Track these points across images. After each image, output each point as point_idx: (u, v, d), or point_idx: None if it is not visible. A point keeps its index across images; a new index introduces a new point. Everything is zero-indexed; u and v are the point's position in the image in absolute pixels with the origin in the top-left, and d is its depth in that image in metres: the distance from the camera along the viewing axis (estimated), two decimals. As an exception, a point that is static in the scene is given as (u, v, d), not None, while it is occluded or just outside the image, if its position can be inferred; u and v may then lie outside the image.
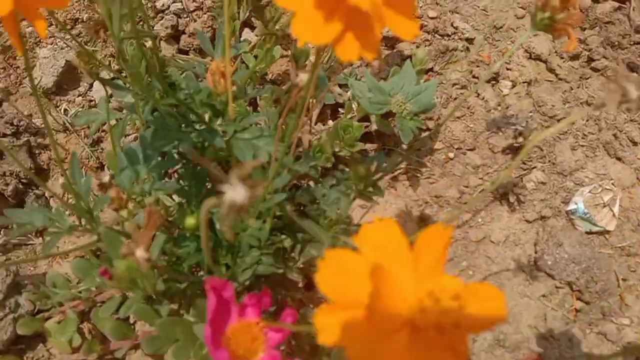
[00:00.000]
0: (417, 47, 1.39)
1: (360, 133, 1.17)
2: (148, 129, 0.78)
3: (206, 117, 0.81)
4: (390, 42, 1.40)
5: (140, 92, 0.75)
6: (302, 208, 1.10)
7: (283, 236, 0.92)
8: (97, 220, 0.72)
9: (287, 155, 0.82)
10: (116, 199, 0.74)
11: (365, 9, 0.43)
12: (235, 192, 0.34)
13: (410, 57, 1.36)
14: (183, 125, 0.78)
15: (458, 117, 1.34)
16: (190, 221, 0.76)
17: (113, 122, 0.92)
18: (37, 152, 1.25)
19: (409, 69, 1.12)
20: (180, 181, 0.91)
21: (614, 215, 1.25)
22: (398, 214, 1.25)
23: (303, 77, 0.57)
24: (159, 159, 0.77)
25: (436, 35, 1.39)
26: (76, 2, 1.22)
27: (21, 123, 1.21)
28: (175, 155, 0.82)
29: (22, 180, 1.22)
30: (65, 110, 1.26)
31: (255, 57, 1.29)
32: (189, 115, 0.80)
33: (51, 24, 1.22)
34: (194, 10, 1.27)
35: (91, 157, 1.25)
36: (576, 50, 1.42)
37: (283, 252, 0.92)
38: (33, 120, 1.24)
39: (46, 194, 1.25)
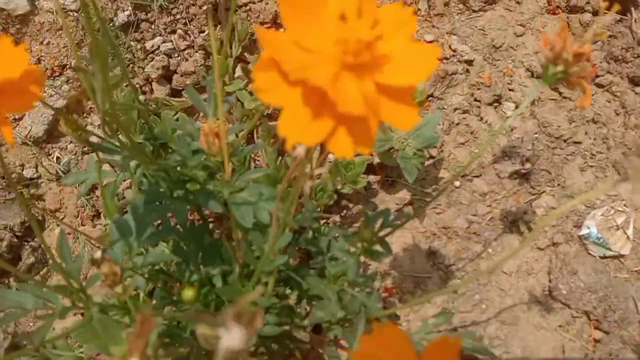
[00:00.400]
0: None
1: (363, 169, 1.13)
2: (140, 196, 0.74)
3: (200, 176, 0.78)
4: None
5: (131, 157, 0.72)
6: (305, 252, 1.07)
7: (288, 290, 0.88)
8: (91, 300, 0.68)
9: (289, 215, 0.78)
10: (110, 274, 0.70)
11: (357, 114, 0.39)
12: (231, 337, 0.30)
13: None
14: (177, 190, 0.74)
15: (462, 143, 1.30)
16: (188, 293, 0.72)
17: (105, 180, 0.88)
18: (30, 203, 1.21)
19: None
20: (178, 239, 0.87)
21: (628, 238, 1.21)
22: (405, 248, 1.21)
23: (301, 150, 0.53)
24: (153, 229, 0.73)
25: (434, 59, 1.36)
26: (63, 47, 1.19)
27: (13, 176, 1.18)
28: (172, 222, 0.78)
29: (17, 234, 1.18)
30: (57, 158, 1.22)
31: (250, 93, 1.26)
32: (182, 176, 0.76)
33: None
34: (185, 49, 1.24)
35: (86, 205, 1.21)
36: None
37: (289, 307, 0.88)
38: (25, 171, 1.20)
39: (42, 246, 1.21)
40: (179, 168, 0.76)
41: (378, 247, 0.78)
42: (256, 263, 0.77)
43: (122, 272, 0.71)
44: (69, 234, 1.21)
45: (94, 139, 0.74)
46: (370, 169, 1.26)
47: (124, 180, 1.01)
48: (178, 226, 0.85)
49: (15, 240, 1.18)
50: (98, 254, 0.70)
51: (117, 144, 0.69)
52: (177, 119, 1.23)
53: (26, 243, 1.20)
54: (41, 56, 1.18)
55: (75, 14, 1.17)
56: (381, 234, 0.79)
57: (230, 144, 0.71)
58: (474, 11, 1.42)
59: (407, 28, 0.45)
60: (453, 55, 1.37)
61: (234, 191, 0.73)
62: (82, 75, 0.59)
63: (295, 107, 0.40)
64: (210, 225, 1.03)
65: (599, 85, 1.38)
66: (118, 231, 0.72)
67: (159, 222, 0.79)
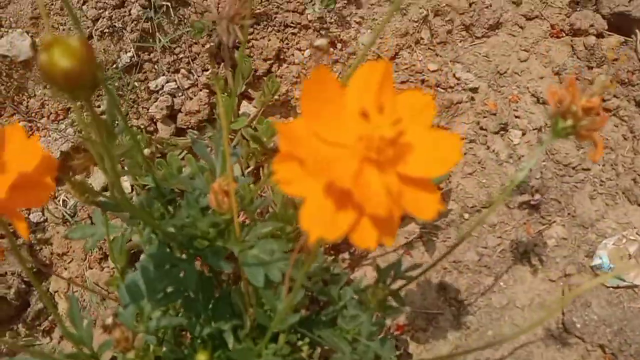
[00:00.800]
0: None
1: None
2: (150, 255, 0.73)
3: (210, 232, 0.77)
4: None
5: (139, 219, 0.71)
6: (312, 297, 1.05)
7: (300, 341, 0.87)
8: (103, 370, 0.67)
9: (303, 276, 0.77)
10: (122, 339, 0.69)
11: (384, 215, 0.38)
12: None
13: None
14: (186, 248, 0.73)
15: (469, 174, 1.29)
16: (201, 358, 0.71)
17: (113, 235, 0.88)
18: (38, 248, 1.20)
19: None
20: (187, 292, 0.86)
21: (641, 267, 1.19)
22: (416, 283, 1.20)
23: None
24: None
25: (439, 89, 1.35)
26: (67, 91, 1.18)
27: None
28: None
29: (25, 280, 1.18)
30: (63, 201, 1.22)
31: (255, 129, 1.25)
32: (191, 234, 0.75)
33: (42, 116, 1.18)
34: (188, 88, 1.23)
35: (94, 248, 1.20)
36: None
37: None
38: (31, 216, 1.20)
39: (51, 290, 1.21)
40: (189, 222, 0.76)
41: (392, 302, 0.77)
42: (268, 320, 0.76)
43: (134, 337, 0.70)
44: (77, 277, 1.21)
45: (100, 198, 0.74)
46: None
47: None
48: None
49: (24, 286, 1.17)
50: (109, 320, 0.69)
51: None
52: (182, 158, 1.22)
53: (34, 289, 1.19)
54: (45, 100, 1.18)
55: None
56: (394, 286, 0.78)
57: (239, 197, 0.70)
58: (477, 38, 1.41)
59: (426, 114, 0.44)
60: (457, 84, 1.36)
61: (245, 248, 0.72)
62: (90, 145, 0.58)
63: (318, 199, 0.39)
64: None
65: (606, 110, 1.36)
66: (129, 295, 0.71)
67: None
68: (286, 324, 0.73)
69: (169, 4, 1.16)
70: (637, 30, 1.43)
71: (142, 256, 1.19)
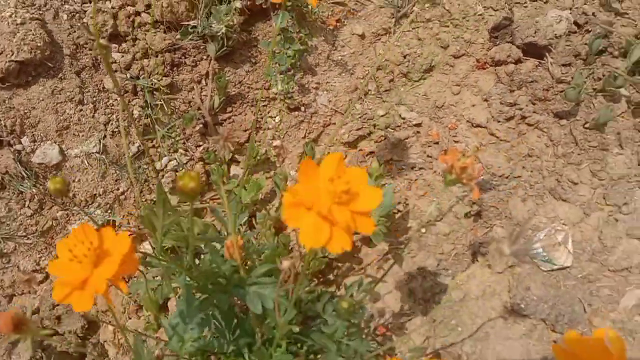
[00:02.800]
0: (376, 142, 1.64)
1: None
2: (183, 300, 1.03)
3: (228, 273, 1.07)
4: (352, 144, 1.65)
5: (176, 269, 1.01)
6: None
7: (300, 350, 1.16)
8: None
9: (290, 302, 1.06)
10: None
11: (344, 228, 0.68)
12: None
13: (371, 153, 1.61)
14: (212, 285, 1.03)
15: (422, 195, 1.58)
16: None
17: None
18: (86, 308, 1.50)
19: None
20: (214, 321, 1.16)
21: (569, 251, 1.47)
22: (390, 291, 1.49)
23: (285, 264, 0.82)
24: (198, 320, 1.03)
25: (388, 129, 1.64)
26: (91, 181, 1.49)
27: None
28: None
29: (79, 336, 1.47)
30: (101, 268, 1.52)
31: (245, 187, 1.55)
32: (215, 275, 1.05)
33: (75, 205, 1.49)
34: (186, 162, 1.54)
35: (130, 302, 1.50)
36: (509, 113, 1.66)
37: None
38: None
39: (101, 341, 1.50)
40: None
41: (358, 310, 1.06)
42: (273, 332, 1.06)
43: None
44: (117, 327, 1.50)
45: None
46: (352, 230, 1.54)
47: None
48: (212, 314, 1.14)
49: (79, 340, 1.47)
50: (158, 352, 0.99)
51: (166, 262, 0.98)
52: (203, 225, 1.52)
53: (88, 341, 1.49)
54: (75, 191, 1.49)
55: (97, 155, 1.47)
56: (358, 298, 1.07)
57: (244, 248, 1.00)
58: (415, 81, 1.71)
59: (363, 178, 0.74)
60: (403, 123, 1.66)
61: (248, 285, 1.02)
62: (147, 218, 0.88)
63: (309, 227, 0.69)
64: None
65: (529, 125, 1.65)
66: (171, 329, 1.00)
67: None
68: (286, 330, 1.02)
69: (162, 102, 1.47)
70: (546, 54, 1.73)
71: (171, 302, 1.49)
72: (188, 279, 1.11)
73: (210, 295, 1.05)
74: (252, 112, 1.56)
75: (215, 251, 1.10)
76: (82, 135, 1.46)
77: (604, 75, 1.66)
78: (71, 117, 1.45)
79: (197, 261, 1.19)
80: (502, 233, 1.51)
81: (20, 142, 1.44)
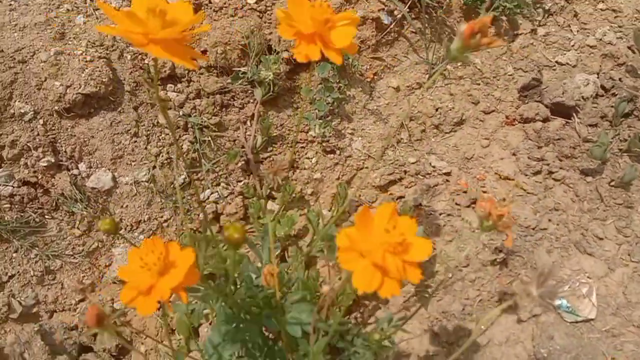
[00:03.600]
0: (407, 187, 1.72)
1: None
2: (222, 322, 1.10)
3: (262, 302, 1.13)
4: (382, 188, 1.73)
5: (215, 295, 1.08)
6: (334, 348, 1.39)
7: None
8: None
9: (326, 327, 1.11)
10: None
11: (398, 279, 0.74)
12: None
13: (400, 197, 1.69)
14: (246, 314, 1.09)
15: (449, 241, 1.64)
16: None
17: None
18: (121, 329, 1.57)
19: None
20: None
21: (593, 304, 1.49)
22: (413, 331, 1.52)
23: (325, 289, 0.89)
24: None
25: (419, 176, 1.72)
26: (137, 208, 1.59)
27: (107, 308, 1.55)
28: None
29: (113, 354, 1.53)
30: (138, 291, 1.59)
31: (279, 222, 1.63)
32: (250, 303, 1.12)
33: (121, 229, 1.59)
34: (227, 196, 1.64)
35: (162, 325, 1.57)
36: (537, 167, 1.73)
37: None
38: (115, 304, 1.58)
39: (132, 362, 1.56)
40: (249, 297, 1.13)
41: (387, 343, 1.11)
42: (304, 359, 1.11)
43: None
44: (152, 349, 1.56)
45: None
46: (380, 271, 1.60)
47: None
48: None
49: (113, 359, 1.53)
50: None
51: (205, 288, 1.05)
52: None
53: (122, 358, 1.54)
54: (122, 217, 1.59)
55: (146, 184, 1.59)
56: (389, 332, 1.12)
57: (279, 277, 1.07)
58: (446, 133, 1.80)
59: (414, 229, 0.80)
60: (433, 171, 1.74)
61: (285, 311, 1.08)
62: (196, 248, 0.96)
63: (362, 271, 0.75)
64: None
65: (556, 180, 1.71)
66: (211, 347, 1.07)
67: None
68: (317, 357, 1.07)
69: (209, 139, 1.59)
70: (574, 114, 1.81)
71: (202, 328, 1.55)
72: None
73: (244, 324, 1.11)
74: (290, 152, 1.66)
75: (250, 280, 1.17)
76: (134, 165, 1.58)
77: (629, 137, 1.73)
78: (126, 147, 1.57)
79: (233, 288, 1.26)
80: (529, 278, 1.54)
81: (77, 168, 1.56)
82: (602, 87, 1.84)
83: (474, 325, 1.52)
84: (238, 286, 1.18)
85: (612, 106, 1.79)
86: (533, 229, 1.64)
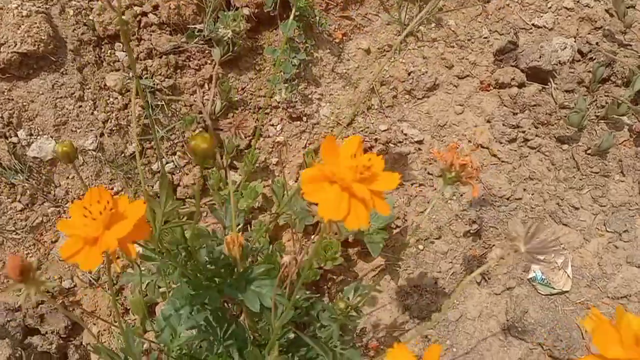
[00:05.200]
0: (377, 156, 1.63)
1: (339, 249, 1.38)
2: (177, 294, 0.99)
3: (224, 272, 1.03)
4: (353, 156, 1.64)
5: (172, 264, 0.97)
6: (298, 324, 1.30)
7: (289, 354, 1.12)
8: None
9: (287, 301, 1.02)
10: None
11: (365, 200, 0.65)
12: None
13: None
14: (207, 282, 0.99)
15: (421, 212, 1.56)
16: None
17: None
18: (70, 309, 1.45)
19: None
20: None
21: (568, 276, 1.44)
22: (384, 305, 1.45)
23: (287, 259, 0.79)
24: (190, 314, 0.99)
25: (390, 144, 1.63)
26: (85, 178, 1.46)
27: (55, 289, 1.43)
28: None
29: (62, 336, 1.42)
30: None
31: (242, 194, 1.53)
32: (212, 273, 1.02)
33: (67, 202, 1.45)
34: (184, 166, 1.51)
35: (116, 304, 1.46)
36: (512, 135, 1.65)
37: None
38: (63, 283, 1.45)
39: (83, 343, 1.45)
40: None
41: (354, 313, 1.02)
42: (268, 333, 1.02)
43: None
44: (104, 330, 1.45)
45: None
46: (350, 244, 1.51)
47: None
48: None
49: (62, 341, 1.42)
50: (146, 345, 0.95)
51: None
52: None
53: (70, 343, 1.43)
54: (68, 189, 1.45)
55: (94, 152, 1.45)
56: (355, 302, 1.04)
57: (242, 247, 0.97)
58: (418, 99, 1.71)
59: (381, 164, 0.71)
60: (405, 139, 1.65)
61: (246, 282, 0.98)
62: (150, 202, 0.85)
63: (328, 200, 0.66)
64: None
65: (531, 148, 1.64)
66: (164, 321, 0.96)
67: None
68: (281, 333, 0.98)
69: (163, 103, 1.45)
70: (550, 79, 1.73)
71: (158, 307, 1.44)
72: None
73: (202, 291, 1.01)
74: (253, 119, 1.54)
75: (212, 248, 1.07)
76: (80, 132, 1.44)
77: (606, 103, 1.67)
78: (70, 113, 1.43)
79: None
80: (501, 254, 1.48)
81: (16, 135, 1.41)
82: (579, 51, 1.76)
83: (446, 299, 1.45)
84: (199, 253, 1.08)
85: (589, 71, 1.72)
86: (507, 198, 1.57)
